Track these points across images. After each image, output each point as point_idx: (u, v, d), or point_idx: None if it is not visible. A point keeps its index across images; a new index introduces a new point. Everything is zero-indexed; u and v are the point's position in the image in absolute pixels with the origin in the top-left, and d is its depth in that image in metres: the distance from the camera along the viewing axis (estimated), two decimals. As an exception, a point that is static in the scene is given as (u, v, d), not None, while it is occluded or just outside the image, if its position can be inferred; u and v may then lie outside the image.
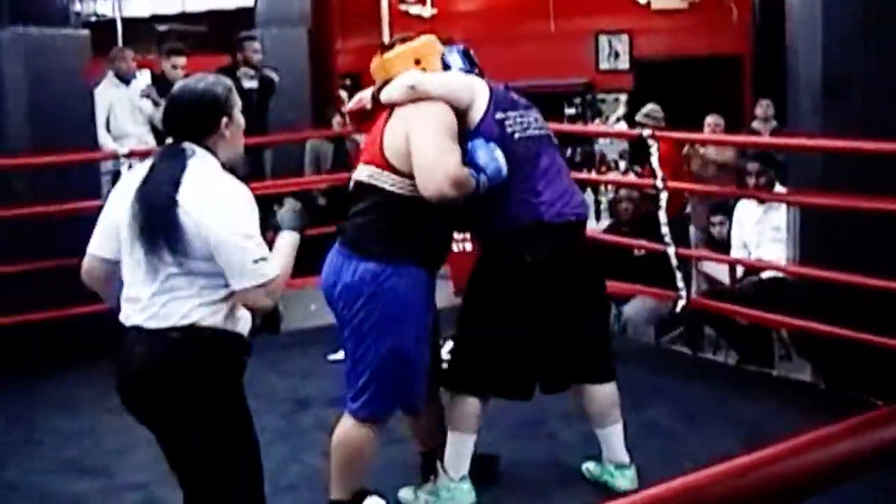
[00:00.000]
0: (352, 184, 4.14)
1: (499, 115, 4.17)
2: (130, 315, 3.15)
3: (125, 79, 8.04)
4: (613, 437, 4.51)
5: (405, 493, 4.45)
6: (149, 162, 3.23)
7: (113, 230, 3.23)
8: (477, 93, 4.18)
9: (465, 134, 4.06)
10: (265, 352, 6.54)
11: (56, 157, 6.62)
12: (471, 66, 4.40)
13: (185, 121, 3.21)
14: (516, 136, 4.17)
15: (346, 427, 4.06)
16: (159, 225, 3.05)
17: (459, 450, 4.33)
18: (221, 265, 3.06)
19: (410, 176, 3.88)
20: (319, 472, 4.54)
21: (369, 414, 4.03)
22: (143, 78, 8.35)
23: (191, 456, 3.24)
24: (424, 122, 3.94)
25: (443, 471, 4.34)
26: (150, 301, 3.10)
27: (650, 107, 9.03)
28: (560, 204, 4.16)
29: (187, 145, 3.16)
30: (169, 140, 3.24)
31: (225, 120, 3.21)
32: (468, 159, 3.96)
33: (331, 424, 4.24)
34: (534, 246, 4.12)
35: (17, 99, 6.58)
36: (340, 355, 4.36)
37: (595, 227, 9.04)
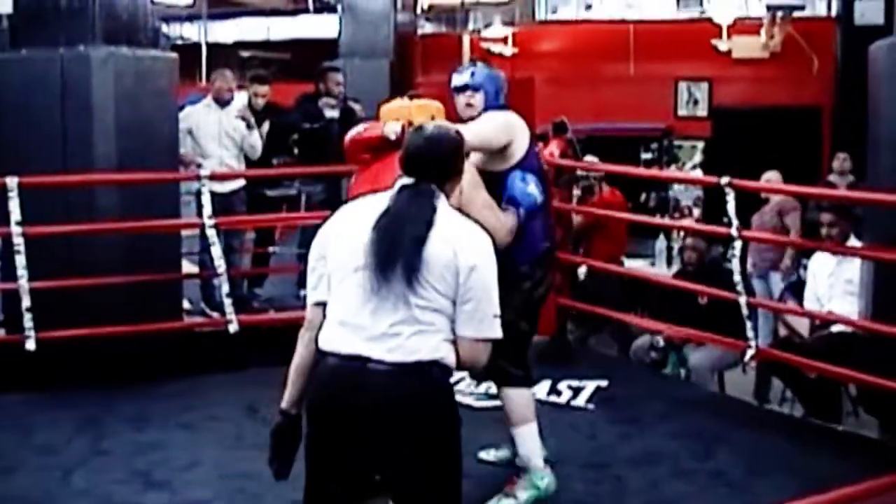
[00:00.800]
0: None
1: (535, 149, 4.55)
2: (352, 344, 3.11)
3: (221, 101, 8.16)
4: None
5: (486, 453, 5.06)
6: (376, 199, 3.22)
7: (325, 273, 3.24)
8: (517, 130, 4.64)
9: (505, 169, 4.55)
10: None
11: (140, 174, 6.76)
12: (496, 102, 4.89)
13: (438, 162, 3.26)
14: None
15: None
16: (409, 259, 3.04)
17: (533, 439, 4.71)
18: (461, 309, 3.10)
19: None
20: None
21: None
22: (240, 98, 8.45)
23: (417, 491, 3.16)
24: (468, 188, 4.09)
25: (532, 461, 4.68)
26: (390, 332, 3.07)
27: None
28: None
29: (433, 186, 3.21)
30: (405, 178, 3.24)
31: (461, 166, 3.36)
32: (508, 195, 4.41)
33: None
34: (551, 264, 4.88)
35: (105, 117, 6.71)
36: None
37: (666, 272, 9.01)
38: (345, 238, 3.20)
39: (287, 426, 3.43)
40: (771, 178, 9.08)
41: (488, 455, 5.21)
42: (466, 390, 6.33)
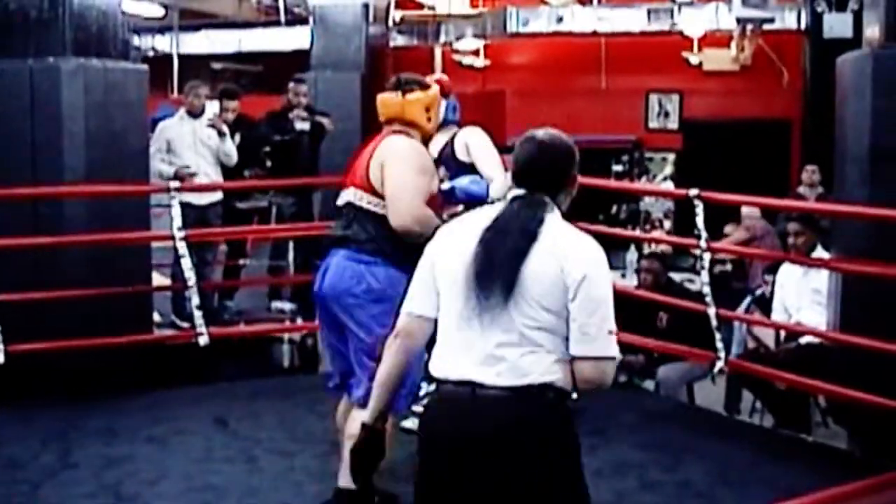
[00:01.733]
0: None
1: None
2: (461, 368, 2.94)
3: (195, 114, 8.14)
4: None
5: (412, 422, 4.87)
6: (488, 211, 3.08)
7: (432, 286, 3.07)
8: None
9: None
10: (303, 392, 6.60)
11: (110, 187, 6.73)
12: (454, 117, 5.79)
13: (551, 172, 3.10)
14: None
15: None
16: (506, 276, 2.88)
17: None
18: (574, 325, 2.89)
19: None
20: None
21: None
22: (211, 108, 8.43)
23: None
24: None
25: None
26: (497, 353, 2.89)
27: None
28: None
29: (546, 198, 3.05)
30: (515, 190, 3.10)
31: (574, 175, 3.14)
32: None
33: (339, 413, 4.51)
34: None
35: (75, 129, 6.67)
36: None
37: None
38: (452, 252, 3.04)
39: (369, 441, 3.20)
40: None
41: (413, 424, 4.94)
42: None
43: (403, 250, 4.23)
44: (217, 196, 8.10)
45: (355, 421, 4.06)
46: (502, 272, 2.88)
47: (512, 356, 2.87)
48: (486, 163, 5.63)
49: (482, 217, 3.04)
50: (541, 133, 3.16)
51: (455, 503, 2.95)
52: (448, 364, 2.97)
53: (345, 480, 4.17)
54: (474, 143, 5.76)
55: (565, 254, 2.91)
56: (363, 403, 4.07)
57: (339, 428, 4.57)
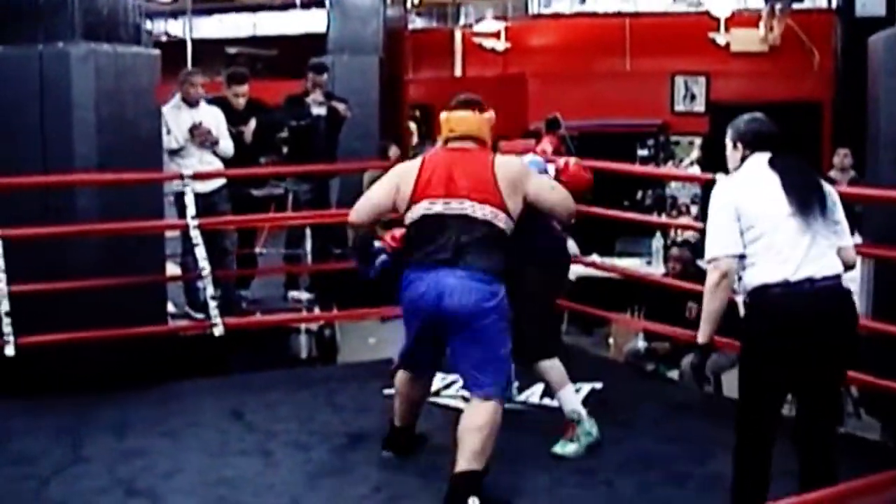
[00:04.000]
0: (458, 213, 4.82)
1: None
2: (799, 270, 4.02)
3: (190, 102, 7.94)
4: None
5: (565, 448, 5.36)
6: (757, 168, 4.23)
7: (737, 229, 4.14)
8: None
9: None
10: (320, 384, 6.54)
11: (122, 175, 6.64)
12: None
13: (783, 137, 4.38)
14: None
15: (490, 409, 4.73)
16: (822, 201, 4.12)
17: (574, 395, 5.56)
18: (839, 227, 4.20)
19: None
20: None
21: (504, 393, 4.95)
22: (204, 112, 8.16)
23: (836, 383, 4.28)
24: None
25: (578, 416, 5.39)
26: (822, 256, 4.06)
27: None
28: None
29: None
30: (758, 154, 4.27)
31: None
32: None
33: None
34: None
35: (86, 115, 6.56)
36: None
37: (663, 271, 8.87)
38: (760, 200, 4.12)
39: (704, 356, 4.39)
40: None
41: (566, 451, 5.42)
42: (458, 394, 6.22)
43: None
44: (221, 181, 7.91)
45: (480, 411, 4.73)
46: (818, 199, 4.12)
47: (828, 256, 4.09)
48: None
49: (760, 173, 4.20)
50: (759, 114, 4.46)
51: (808, 358, 4.05)
52: (787, 269, 4.02)
53: (477, 464, 4.66)
54: None
55: (830, 187, 4.26)
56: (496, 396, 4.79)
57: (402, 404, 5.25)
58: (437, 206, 4.80)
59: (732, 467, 4.24)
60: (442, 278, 4.72)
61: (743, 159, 4.33)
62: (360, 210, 5.04)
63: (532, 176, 5.03)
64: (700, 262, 7.87)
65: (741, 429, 4.27)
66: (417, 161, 4.99)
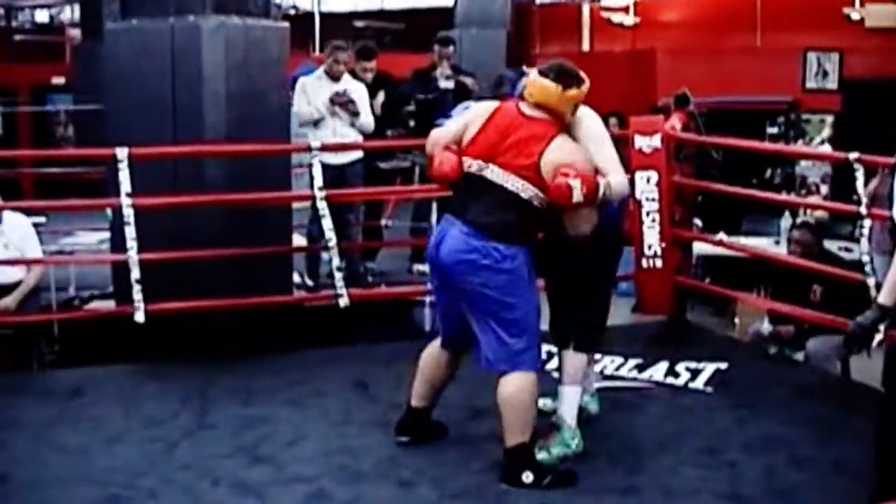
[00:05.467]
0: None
1: None
2: None
3: (333, 76, 8.04)
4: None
5: (544, 403, 5.12)
6: None
7: None
8: None
9: None
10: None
11: (251, 146, 6.73)
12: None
13: None
14: None
15: (508, 383, 4.63)
16: None
17: (576, 400, 5.09)
18: None
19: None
20: (489, 482, 4.67)
21: (534, 364, 4.71)
22: (345, 84, 8.25)
23: None
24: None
25: (566, 422, 4.99)
26: None
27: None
28: None
29: None
30: None
31: None
32: None
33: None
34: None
35: (216, 87, 6.66)
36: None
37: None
38: None
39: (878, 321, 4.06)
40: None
41: (545, 405, 5.24)
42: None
43: None
44: (356, 155, 8.00)
45: (507, 385, 4.63)
46: None
47: None
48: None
49: None
50: None
51: None
52: None
53: (522, 437, 4.63)
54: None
55: None
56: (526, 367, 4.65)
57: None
58: (475, 167, 4.67)
59: (877, 455, 4.07)
60: (446, 228, 4.69)
61: None
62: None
63: (569, 159, 4.64)
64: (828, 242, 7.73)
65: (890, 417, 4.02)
66: (492, 106, 4.81)
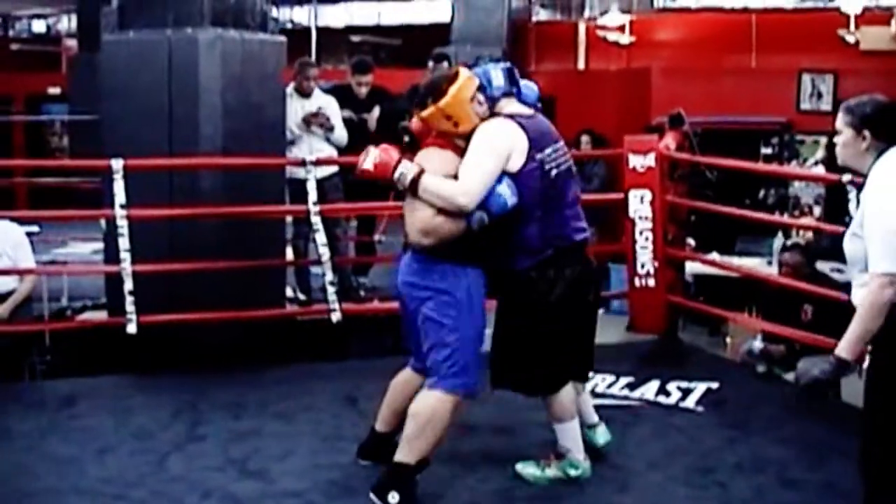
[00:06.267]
0: None
1: (538, 157, 4.61)
2: None
3: (303, 93, 8.02)
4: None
5: (526, 468, 4.93)
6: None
7: None
8: (515, 145, 4.59)
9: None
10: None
11: (246, 159, 6.77)
12: (511, 85, 4.74)
13: None
14: (552, 174, 4.66)
15: (431, 399, 4.53)
16: None
17: (575, 434, 4.88)
18: None
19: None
20: (480, 498, 4.71)
21: (456, 387, 4.54)
22: (316, 101, 8.18)
23: None
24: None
25: (569, 453, 4.84)
26: None
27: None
28: (580, 227, 4.81)
29: None
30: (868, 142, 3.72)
31: None
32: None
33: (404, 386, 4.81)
34: (570, 263, 4.73)
35: (212, 100, 6.71)
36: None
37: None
38: None
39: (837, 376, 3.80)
40: None
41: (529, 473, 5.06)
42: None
43: None
44: (331, 169, 7.95)
45: (422, 399, 4.56)
46: None
47: None
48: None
49: None
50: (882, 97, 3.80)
51: None
52: None
53: (405, 456, 4.51)
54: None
55: None
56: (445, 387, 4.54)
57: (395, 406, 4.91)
58: None
59: (867, 482, 3.90)
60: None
61: (868, 151, 3.74)
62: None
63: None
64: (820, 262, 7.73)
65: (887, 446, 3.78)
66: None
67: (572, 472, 4.84)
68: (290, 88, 7.97)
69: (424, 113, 4.63)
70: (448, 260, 4.53)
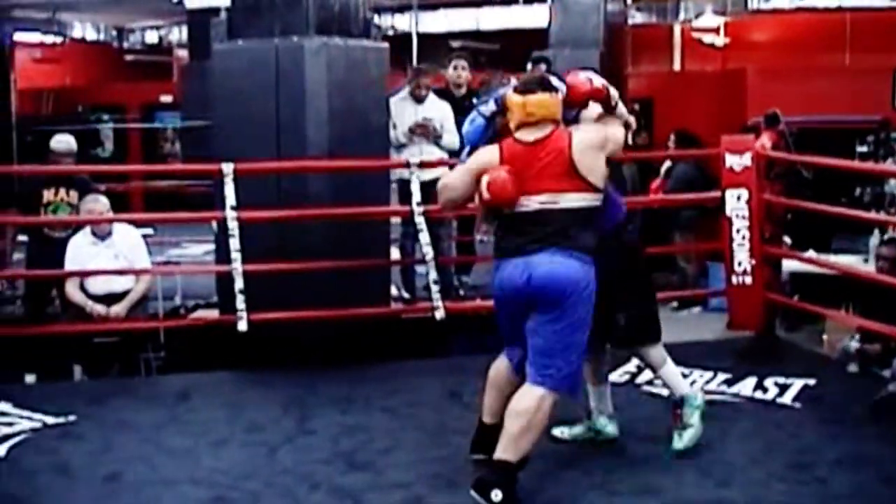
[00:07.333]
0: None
1: None
2: None
3: (418, 98, 8.15)
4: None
5: (561, 431, 5.25)
6: None
7: None
8: None
9: None
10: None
11: (352, 162, 6.93)
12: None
13: None
14: None
15: (536, 396, 4.55)
16: None
17: (676, 372, 5.25)
18: None
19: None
20: (582, 491, 4.77)
21: (567, 388, 4.66)
22: (430, 108, 8.29)
23: None
24: None
25: (682, 392, 5.15)
26: None
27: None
28: None
29: None
30: None
31: None
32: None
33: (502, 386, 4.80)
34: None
35: (318, 105, 6.87)
36: None
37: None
38: None
39: None
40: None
41: (563, 433, 5.31)
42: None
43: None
44: (441, 171, 8.05)
45: (527, 397, 4.57)
46: None
47: None
48: None
49: None
50: None
51: None
52: None
53: (509, 455, 4.52)
54: None
55: None
56: (553, 387, 4.59)
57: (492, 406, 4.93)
58: (535, 204, 4.60)
59: None
60: (533, 258, 4.55)
61: None
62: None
63: (603, 131, 4.73)
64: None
65: None
66: (496, 149, 4.71)
67: (698, 402, 5.13)
68: (404, 92, 8.14)
69: (559, 96, 4.70)
70: (591, 259, 4.63)
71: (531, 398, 4.55)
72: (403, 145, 7.98)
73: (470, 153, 4.87)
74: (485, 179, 4.59)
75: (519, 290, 4.60)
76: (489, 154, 4.70)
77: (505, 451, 4.52)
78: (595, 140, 4.67)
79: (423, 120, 8.03)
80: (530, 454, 4.62)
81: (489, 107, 4.87)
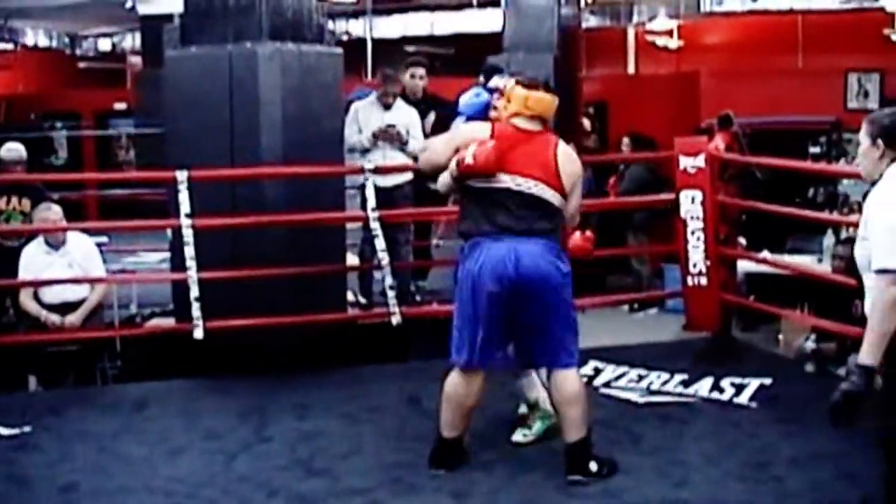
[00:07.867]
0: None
1: None
2: None
3: (385, 105, 8.12)
4: None
5: (518, 436, 5.37)
6: None
7: None
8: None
9: None
10: (496, 372, 6.58)
11: (306, 167, 6.90)
12: None
13: None
14: None
15: (578, 377, 4.96)
16: None
17: (538, 382, 5.37)
18: None
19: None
20: (541, 494, 4.75)
21: (576, 362, 4.96)
22: (397, 114, 8.31)
23: None
24: None
25: (542, 400, 5.29)
26: None
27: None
28: None
29: None
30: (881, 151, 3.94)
31: None
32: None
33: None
34: None
35: (272, 111, 6.85)
36: None
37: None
38: None
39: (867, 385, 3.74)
40: None
41: (525, 436, 5.40)
42: (628, 386, 6.32)
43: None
44: (404, 177, 8.06)
45: (570, 380, 4.86)
46: None
47: None
48: None
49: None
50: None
51: None
52: None
53: (581, 433, 4.84)
54: None
55: None
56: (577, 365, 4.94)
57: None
58: (509, 182, 4.83)
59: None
60: (518, 244, 4.79)
61: (882, 160, 3.97)
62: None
63: (578, 182, 5.03)
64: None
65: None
66: (487, 127, 5.01)
67: (549, 412, 5.22)
68: (373, 97, 8.13)
69: (556, 101, 5.07)
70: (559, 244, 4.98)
71: (573, 381, 4.89)
72: (368, 150, 7.95)
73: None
74: (472, 148, 4.81)
75: (507, 276, 4.79)
76: (480, 128, 5.01)
77: (578, 431, 4.83)
78: (577, 165, 5.03)
79: (386, 126, 8.00)
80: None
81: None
